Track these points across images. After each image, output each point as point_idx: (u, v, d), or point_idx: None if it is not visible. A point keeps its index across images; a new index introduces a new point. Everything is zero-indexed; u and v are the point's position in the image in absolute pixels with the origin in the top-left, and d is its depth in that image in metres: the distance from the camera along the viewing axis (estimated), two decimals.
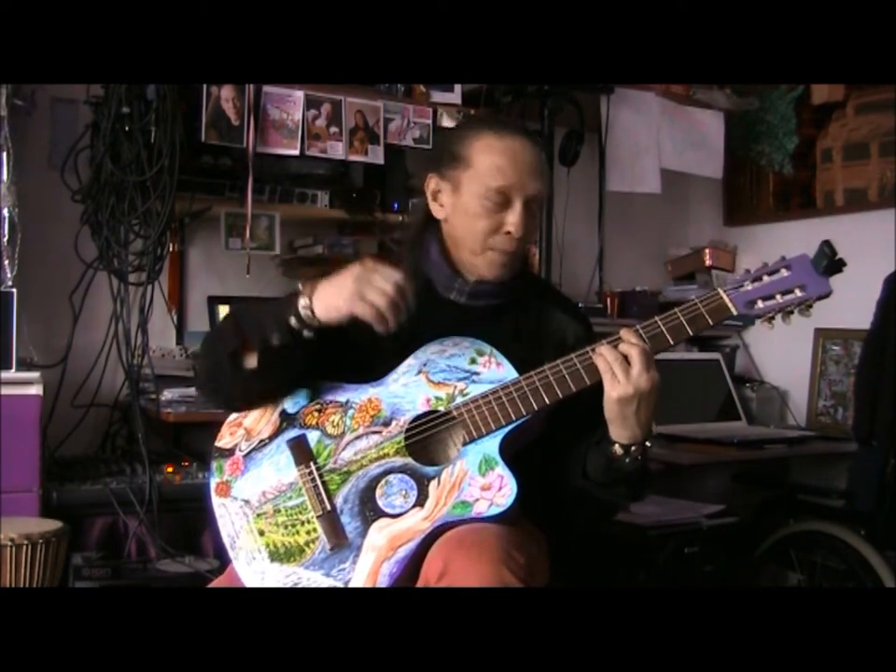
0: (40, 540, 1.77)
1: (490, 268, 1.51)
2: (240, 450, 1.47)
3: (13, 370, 2.03)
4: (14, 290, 2.09)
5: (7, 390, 1.97)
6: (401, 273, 1.37)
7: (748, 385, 3.39)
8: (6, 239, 2.19)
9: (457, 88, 2.66)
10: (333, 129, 2.48)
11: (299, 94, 2.43)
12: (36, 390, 2.02)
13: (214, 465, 1.48)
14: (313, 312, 1.36)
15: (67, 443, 2.39)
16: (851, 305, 2.99)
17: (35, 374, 2.05)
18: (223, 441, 1.49)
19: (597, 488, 1.44)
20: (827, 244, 1.37)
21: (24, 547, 1.74)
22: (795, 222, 3.39)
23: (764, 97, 3.44)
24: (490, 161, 1.49)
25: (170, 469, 2.24)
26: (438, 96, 2.65)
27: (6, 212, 2.18)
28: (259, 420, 1.49)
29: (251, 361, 1.40)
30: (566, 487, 1.47)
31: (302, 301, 1.37)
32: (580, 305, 2.95)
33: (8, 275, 2.18)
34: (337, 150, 2.49)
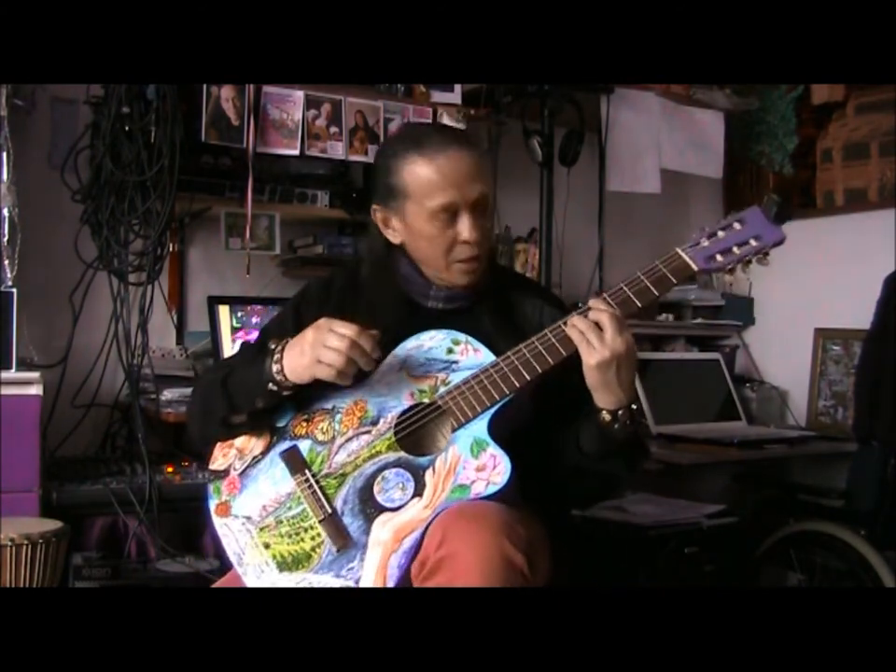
0: (40, 540, 1.76)
1: (461, 277, 1.53)
2: (234, 469, 1.49)
3: (13, 370, 2.03)
4: (14, 290, 2.08)
5: (6, 390, 1.96)
6: (356, 327, 1.38)
7: (748, 385, 3.39)
8: (6, 239, 2.18)
9: (457, 88, 2.65)
10: (333, 129, 2.48)
11: (299, 94, 2.42)
12: (36, 390, 2.02)
13: (211, 487, 1.49)
14: (285, 376, 1.41)
15: (67, 443, 2.38)
16: (851, 305, 3.01)
17: (34, 374, 2.04)
18: (216, 463, 1.51)
19: (593, 462, 1.44)
20: (773, 194, 1.46)
21: (24, 547, 1.74)
22: (795, 222, 3.31)
23: (764, 97, 3.43)
24: (425, 184, 1.48)
25: (170, 469, 2.23)
26: (438, 96, 2.64)
27: (6, 212, 2.18)
28: (250, 438, 1.51)
29: (241, 418, 1.48)
30: (563, 466, 1.48)
31: (275, 367, 1.41)
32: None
33: (8, 275, 2.18)
34: (337, 150, 2.49)
